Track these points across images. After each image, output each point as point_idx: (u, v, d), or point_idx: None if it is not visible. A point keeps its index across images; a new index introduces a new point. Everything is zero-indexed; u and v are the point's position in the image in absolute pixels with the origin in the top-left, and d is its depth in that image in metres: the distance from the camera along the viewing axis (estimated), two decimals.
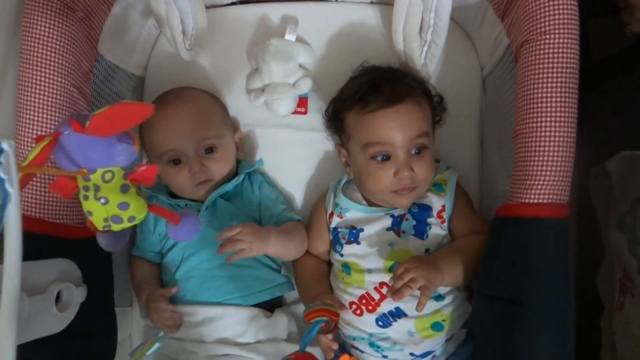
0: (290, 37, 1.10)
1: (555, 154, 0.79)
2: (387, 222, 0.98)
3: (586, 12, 0.84)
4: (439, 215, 0.97)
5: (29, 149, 0.87)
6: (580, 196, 1.25)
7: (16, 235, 0.53)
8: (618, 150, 1.04)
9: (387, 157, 0.95)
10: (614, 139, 1.03)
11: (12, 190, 0.52)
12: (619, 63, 1.09)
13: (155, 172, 0.69)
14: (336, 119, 1.04)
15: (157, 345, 0.90)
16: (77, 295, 0.89)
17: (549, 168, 0.80)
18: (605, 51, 1.13)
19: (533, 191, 0.81)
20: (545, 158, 0.80)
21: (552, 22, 0.80)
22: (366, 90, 0.97)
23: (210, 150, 1.03)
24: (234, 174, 1.08)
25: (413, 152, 0.95)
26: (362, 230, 0.99)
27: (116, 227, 0.72)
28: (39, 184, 0.88)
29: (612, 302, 1.10)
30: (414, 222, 0.97)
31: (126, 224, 0.72)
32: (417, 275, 0.83)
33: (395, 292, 0.84)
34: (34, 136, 0.86)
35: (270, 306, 1.07)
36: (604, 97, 1.02)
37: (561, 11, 0.79)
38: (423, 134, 0.95)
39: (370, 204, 1.02)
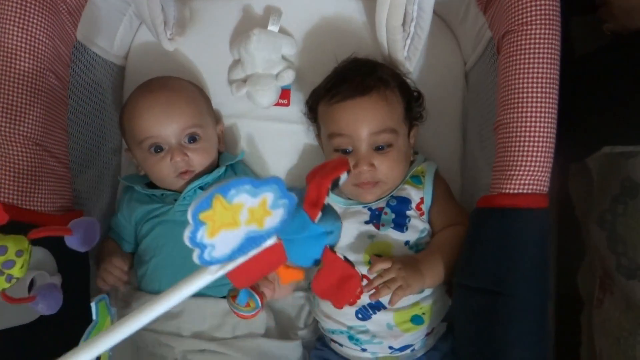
0: (273, 28, 1.09)
1: (536, 144, 0.79)
2: (365, 215, 0.98)
3: (569, 10, 0.84)
4: (418, 208, 0.97)
5: (2, 134, 0.84)
6: (561, 192, 1.26)
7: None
8: (598, 147, 1.04)
9: (349, 150, 0.95)
10: (594, 136, 1.03)
11: (219, 272, 0.52)
12: (597, 60, 1.10)
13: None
14: (312, 110, 1.04)
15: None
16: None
17: (529, 158, 0.80)
18: (588, 49, 1.14)
19: (513, 181, 0.81)
20: (526, 148, 0.80)
21: (533, 13, 0.80)
22: (335, 80, 0.97)
23: (192, 139, 1.01)
24: (215, 166, 1.07)
25: (377, 147, 0.94)
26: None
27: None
28: (14, 171, 0.86)
29: (591, 299, 1.10)
30: (393, 215, 0.96)
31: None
32: (398, 277, 0.84)
33: (373, 294, 0.84)
34: (8, 120, 0.84)
35: None
36: (585, 94, 1.03)
37: (543, 2, 0.79)
38: (387, 129, 0.94)
39: (349, 197, 1.01)
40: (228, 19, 1.14)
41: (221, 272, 0.53)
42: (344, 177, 0.58)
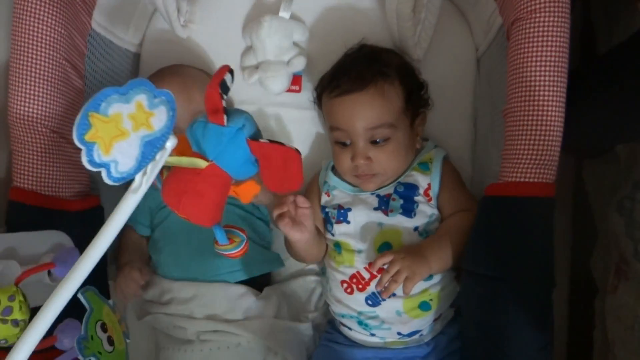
0: (284, 14, 1.09)
1: (543, 133, 0.79)
2: (374, 201, 0.98)
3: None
4: (426, 194, 0.98)
5: (20, 122, 0.87)
6: (575, 179, 1.26)
7: (120, 222, 0.55)
8: (617, 138, 1.03)
9: (348, 143, 0.96)
10: (615, 129, 1.02)
11: (145, 185, 0.53)
12: (626, 51, 1.08)
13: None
14: (318, 98, 1.05)
15: None
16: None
17: (536, 147, 0.80)
18: (611, 40, 1.12)
19: (520, 169, 0.81)
20: (534, 137, 0.80)
21: (542, 0, 0.79)
22: (336, 72, 0.98)
23: None
24: None
25: (373, 141, 0.95)
26: (349, 209, 0.99)
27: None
28: (33, 159, 0.89)
29: (605, 284, 1.10)
30: (402, 201, 0.97)
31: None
32: (402, 267, 0.85)
33: (384, 292, 0.87)
34: (25, 111, 0.87)
35: (260, 284, 1.08)
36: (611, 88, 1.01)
37: None
38: (384, 124, 0.94)
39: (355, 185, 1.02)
40: (240, 5, 1.15)
41: (145, 185, 0.53)
42: (228, 78, 0.60)
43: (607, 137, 1.03)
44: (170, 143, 0.53)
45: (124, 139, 0.49)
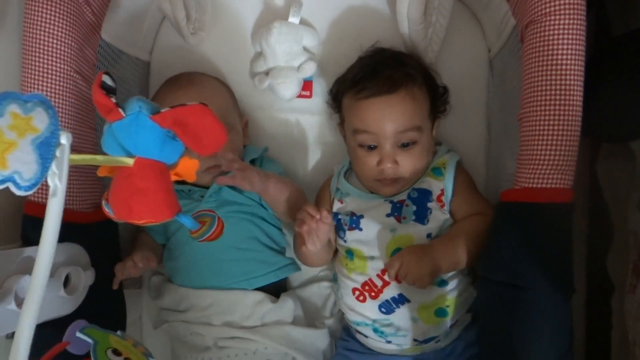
0: (294, 19, 1.09)
1: (560, 138, 0.78)
2: (387, 208, 0.98)
3: None
4: (439, 199, 0.97)
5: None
6: (590, 177, 1.24)
7: (54, 227, 0.55)
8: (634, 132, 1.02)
9: (374, 146, 0.95)
10: (630, 121, 1.00)
11: (60, 185, 0.54)
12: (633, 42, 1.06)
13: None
14: (336, 100, 1.04)
15: None
16: (85, 278, 0.91)
17: (553, 152, 0.79)
18: (627, 25, 1.10)
19: (536, 176, 0.80)
20: (550, 142, 0.79)
21: (557, 3, 0.78)
22: (363, 74, 0.96)
23: None
24: (240, 159, 1.09)
25: (401, 144, 0.94)
26: (362, 216, 0.99)
27: None
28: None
29: (623, 283, 1.09)
30: (415, 208, 0.96)
31: None
32: (409, 273, 0.88)
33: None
34: None
35: (276, 289, 1.08)
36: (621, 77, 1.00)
37: None
38: (413, 128, 0.94)
39: (370, 190, 1.02)
40: (249, 12, 1.14)
41: (61, 185, 0.54)
42: (107, 78, 0.59)
43: (628, 122, 1.01)
44: (65, 137, 0.53)
45: (15, 148, 0.50)
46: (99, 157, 0.59)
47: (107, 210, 0.64)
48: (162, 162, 0.62)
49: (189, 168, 0.66)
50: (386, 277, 0.94)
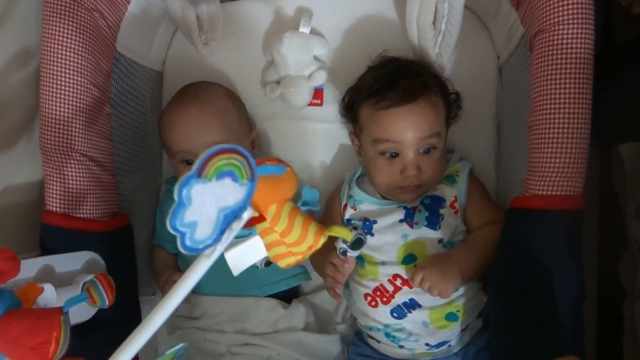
0: (304, 29, 1.10)
1: (569, 146, 0.79)
2: (400, 214, 0.99)
3: None
4: (452, 206, 0.98)
5: (51, 148, 0.90)
6: (602, 182, 1.24)
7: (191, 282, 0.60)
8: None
9: (395, 154, 0.96)
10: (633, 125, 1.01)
11: (217, 250, 0.60)
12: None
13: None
14: (351, 110, 1.05)
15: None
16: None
17: (562, 160, 0.79)
18: (630, 32, 1.10)
19: (546, 183, 0.80)
20: (559, 150, 0.79)
21: (566, 12, 0.78)
22: (381, 85, 0.97)
23: None
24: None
25: (422, 151, 0.95)
26: (375, 222, 1.00)
27: None
28: (63, 182, 0.91)
29: (634, 289, 1.09)
30: (427, 214, 0.97)
31: None
32: (432, 286, 0.88)
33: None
34: (56, 137, 0.90)
35: (288, 296, 1.09)
36: (626, 81, 1.00)
37: (575, 1, 0.78)
38: (434, 134, 0.95)
39: (384, 196, 1.03)
40: (261, 22, 1.16)
41: (217, 251, 0.59)
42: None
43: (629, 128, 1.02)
44: (247, 214, 0.57)
45: None
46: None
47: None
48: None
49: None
50: (397, 282, 0.95)
